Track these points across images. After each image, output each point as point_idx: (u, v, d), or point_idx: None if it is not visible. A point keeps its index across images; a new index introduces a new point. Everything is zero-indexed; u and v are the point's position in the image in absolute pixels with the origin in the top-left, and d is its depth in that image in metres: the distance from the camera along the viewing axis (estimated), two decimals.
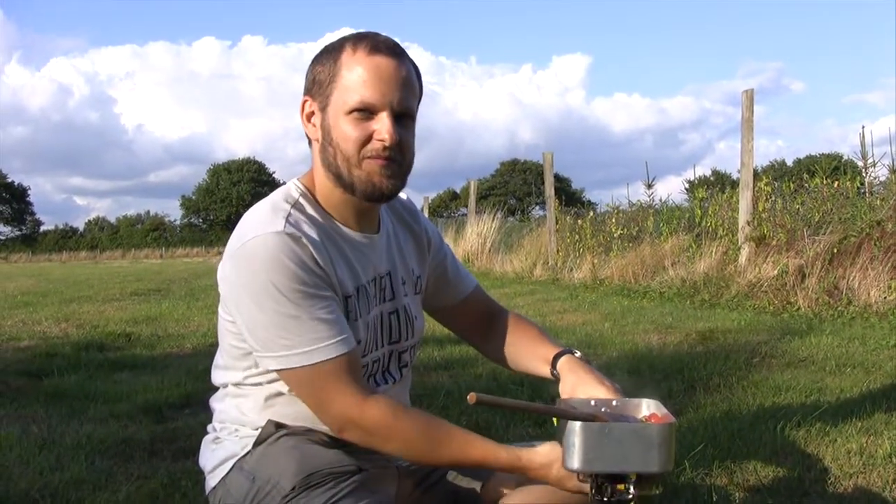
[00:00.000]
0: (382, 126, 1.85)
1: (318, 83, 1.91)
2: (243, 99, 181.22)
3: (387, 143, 1.85)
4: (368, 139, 1.86)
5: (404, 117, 1.90)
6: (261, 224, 1.83)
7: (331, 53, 1.91)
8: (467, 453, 1.82)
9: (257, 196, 1.97)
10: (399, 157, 1.90)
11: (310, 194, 1.96)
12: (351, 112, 1.85)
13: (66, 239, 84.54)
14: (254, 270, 1.79)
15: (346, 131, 1.86)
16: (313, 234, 1.86)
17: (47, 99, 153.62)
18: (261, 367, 1.91)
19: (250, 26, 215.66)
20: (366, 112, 1.85)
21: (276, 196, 1.95)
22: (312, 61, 1.95)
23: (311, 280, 1.77)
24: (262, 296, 1.77)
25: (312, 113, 1.93)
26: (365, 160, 1.87)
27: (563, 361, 2.09)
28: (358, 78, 1.85)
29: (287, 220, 1.84)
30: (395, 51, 1.90)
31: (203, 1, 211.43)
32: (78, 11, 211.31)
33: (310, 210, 1.92)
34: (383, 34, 1.94)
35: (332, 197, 1.96)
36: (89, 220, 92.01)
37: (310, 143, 2.00)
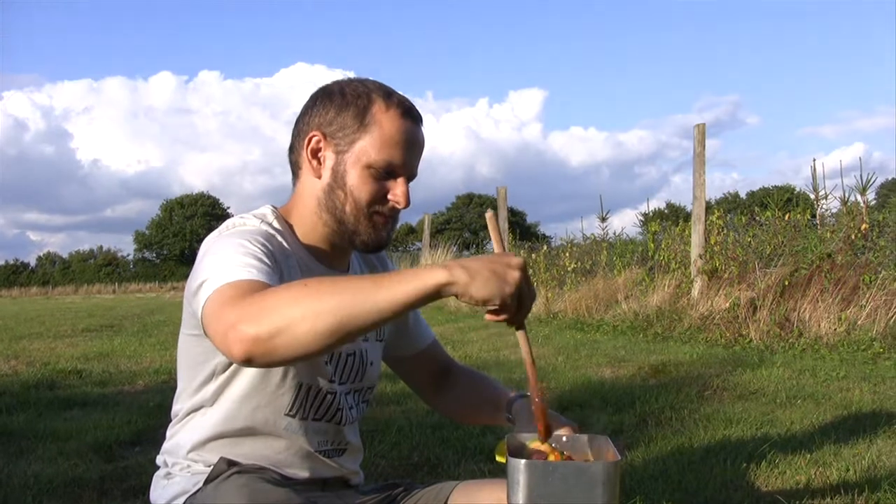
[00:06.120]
0: (400, 191, 1.93)
1: (341, 126, 1.93)
2: (200, 133, 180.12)
3: (401, 207, 1.95)
4: (383, 197, 1.93)
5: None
6: (239, 217, 1.94)
7: (357, 99, 1.93)
8: (379, 283, 1.50)
9: (211, 230, 1.98)
10: (399, 216, 1.99)
11: (285, 221, 1.99)
12: (371, 167, 1.90)
13: (17, 274, 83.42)
14: (226, 230, 1.88)
15: (364, 185, 1.91)
16: (281, 248, 1.91)
17: (2, 133, 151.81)
18: (215, 381, 1.93)
19: (207, 61, 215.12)
20: (385, 172, 1.91)
21: (250, 212, 1.99)
22: (325, 98, 1.98)
23: (269, 257, 1.76)
24: (223, 242, 1.79)
25: (319, 149, 1.95)
26: (375, 215, 1.94)
27: (518, 405, 2.11)
28: (390, 139, 1.90)
29: (263, 223, 1.92)
30: (419, 117, 1.99)
31: (160, 36, 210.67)
32: (33, 45, 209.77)
33: (281, 231, 1.95)
34: (398, 92, 1.99)
35: (312, 231, 2.00)
36: (41, 256, 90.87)
37: (295, 173, 2.03)
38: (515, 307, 1.56)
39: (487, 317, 1.61)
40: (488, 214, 1.76)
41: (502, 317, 1.58)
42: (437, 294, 1.49)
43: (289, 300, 1.49)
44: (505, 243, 1.70)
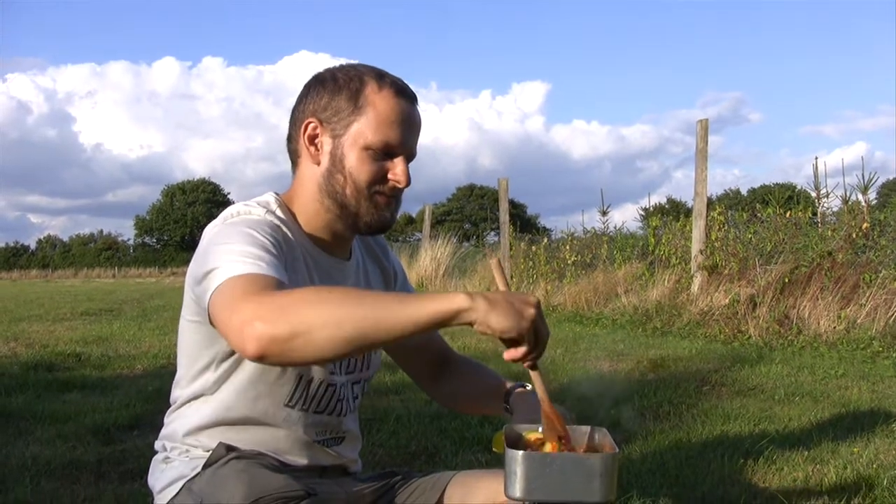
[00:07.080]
0: (400, 170, 1.94)
1: (335, 110, 1.93)
2: (203, 119, 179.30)
3: (402, 186, 1.95)
4: (383, 177, 1.94)
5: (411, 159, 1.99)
6: (242, 205, 1.93)
7: (349, 83, 1.94)
8: (395, 303, 1.52)
9: (212, 217, 1.98)
10: (401, 195, 2.00)
11: (288, 210, 1.99)
12: (369, 149, 1.91)
13: (17, 257, 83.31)
14: (231, 218, 1.88)
15: (363, 166, 1.92)
16: (285, 239, 1.91)
17: (5, 115, 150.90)
18: (216, 367, 1.93)
19: (210, 48, 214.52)
20: (383, 152, 1.92)
21: (253, 200, 1.98)
22: (318, 85, 1.99)
23: (276, 248, 1.77)
24: (229, 230, 1.79)
25: (316, 136, 1.96)
26: (375, 195, 1.94)
27: (516, 395, 2.11)
28: (385, 119, 1.91)
29: (267, 212, 1.91)
30: (414, 96, 1.99)
31: (164, 21, 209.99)
32: (38, 29, 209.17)
33: (285, 220, 1.95)
34: (390, 73, 2.00)
35: (314, 218, 2.00)
36: (41, 238, 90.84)
37: (295, 161, 2.03)
38: (532, 343, 1.56)
39: (506, 355, 1.61)
40: (493, 261, 1.77)
41: (520, 352, 1.58)
42: (455, 318, 1.50)
43: (311, 304, 1.50)
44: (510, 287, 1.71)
